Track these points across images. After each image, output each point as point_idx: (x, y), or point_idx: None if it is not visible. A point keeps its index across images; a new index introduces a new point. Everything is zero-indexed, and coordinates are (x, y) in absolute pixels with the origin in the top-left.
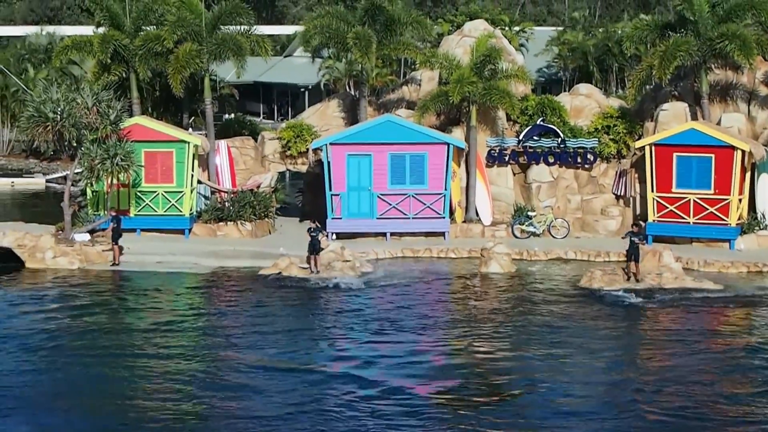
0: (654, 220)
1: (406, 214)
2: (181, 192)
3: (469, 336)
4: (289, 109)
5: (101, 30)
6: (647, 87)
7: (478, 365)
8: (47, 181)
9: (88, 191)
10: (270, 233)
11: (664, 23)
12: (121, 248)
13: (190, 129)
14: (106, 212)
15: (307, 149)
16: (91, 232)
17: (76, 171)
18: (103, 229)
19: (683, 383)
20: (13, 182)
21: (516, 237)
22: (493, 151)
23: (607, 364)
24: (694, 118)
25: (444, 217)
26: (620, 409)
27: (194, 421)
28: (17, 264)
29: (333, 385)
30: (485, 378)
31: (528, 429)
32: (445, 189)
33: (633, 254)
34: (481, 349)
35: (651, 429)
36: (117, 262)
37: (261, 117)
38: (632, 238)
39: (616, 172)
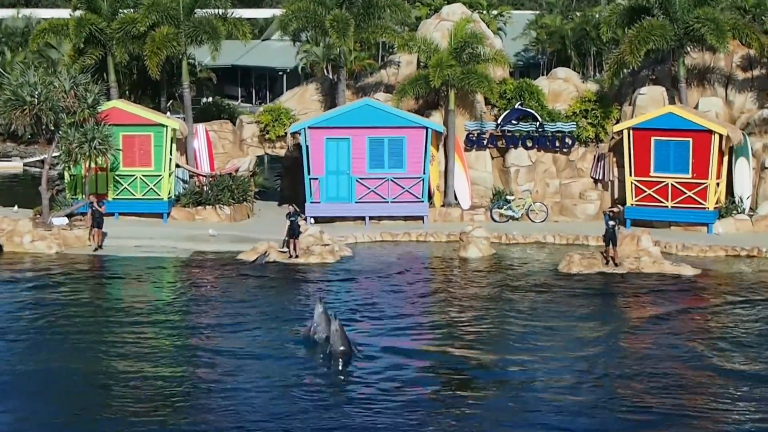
0: (632, 204)
1: (384, 198)
2: (160, 176)
3: (447, 320)
4: (267, 92)
5: (78, 13)
6: (625, 71)
7: (457, 349)
8: (25, 164)
9: (66, 175)
10: (249, 217)
11: (639, 7)
12: (104, 234)
13: (168, 113)
14: (84, 196)
15: (286, 133)
16: (69, 216)
17: (54, 155)
18: (82, 213)
19: (659, 367)
20: None
21: (495, 221)
22: (471, 135)
23: (584, 349)
24: (672, 102)
25: (423, 201)
26: (597, 395)
27: (173, 408)
28: None
29: (308, 370)
30: (463, 362)
31: (505, 414)
32: (424, 173)
33: (610, 238)
34: (460, 332)
35: (626, 414)
36: (97, 246)
37: (239, 101)
38: (608, 222)
39: (594, 156)
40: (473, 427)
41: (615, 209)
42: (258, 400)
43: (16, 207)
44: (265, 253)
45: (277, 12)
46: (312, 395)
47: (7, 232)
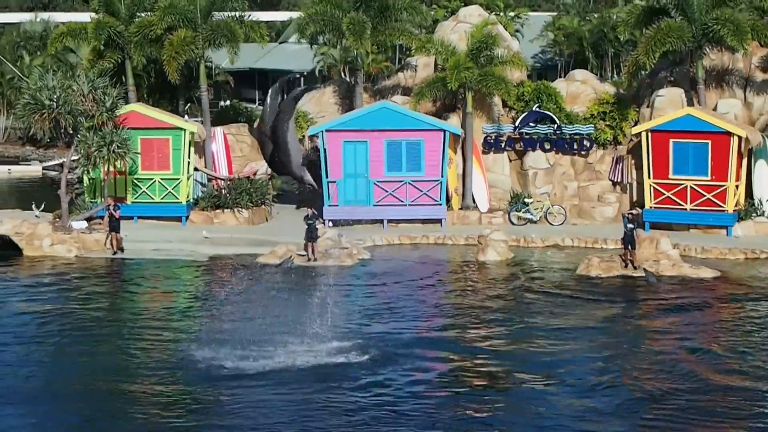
0: (651, 207)
1: (402, 201)
2: (178, 179)
3: (465, 323)
4: (285, 95)
5: (96, 16)
6: (643, 73)
7: (475, 352)
8: (44, 168)
9: (85, 179)
10: (267, 220)
11: (657, 8)
12: (120, 237)
13: (186, 116)
14: (102, 199)
15: (303, 136)
16: (88, 219)
17: (73, 158)
18: (101, 217)
19: (678, 371)
20: (9, 170)
21: (513, 224)
22: (489, 138)
23: (603, 352)
24: (691, 104)
25: (441, 204)
26: (617, 400)
27: (190, 409)
28: (15, 252)
29: (329, 373)
30: (482, 365)
31: (523, 417)
32: (442, 176)
33: (629, 241)
34: (478, 336)
35: (646, 420)
36: (115, 251)
37: (257, 104)
38: (627, 225)
39: (613, 159)
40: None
41: (634, 212)
42: (280, 407)
43: (34, 207)
44: (290, 257)
45: (294, 15)
46: (332, 400)
47: (26, 235)
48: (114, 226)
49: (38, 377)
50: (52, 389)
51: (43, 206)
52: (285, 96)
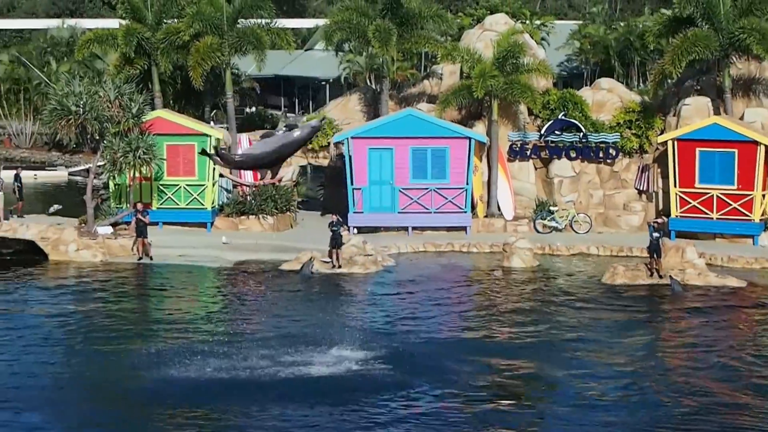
0: (677, 216)
1: (427, 209)
2: (203, 185)
3: (490, 331)
4: (310, 102)
5: (124, 23)
6: (669, 81)
7: (499, 360)
8: (70, 174)
9: (111, 184)
10: (291, 227)
11: (683, 17)
12: (149, 243)
13: (212, 122)
14: (128, 205)
15: (329, 143)
16: (114, 225)
17: (99, 164)
18: (126, 222)
19: (703, 382)
20: (36, 175)
21: (538, 232)
22: (514, 146)
23: (628, 362)
24: (717, 112)
25: (466, 212)
26: (642, 410)
27: (213, 417)
28: (40, 257)
29: (354, 381)
30: (506, 374)
31: (549, 428)
32: (467, 183)
33: (654, 250)
34: (503, 344)
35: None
36: (141, 256)
37: (282, 110)
38: (653, 233)
39: (639, 167)
40: None
41: (659, 220)
42: (302, 413)
43: (52, 208)
44: (310, 260)
45: (321, 22)
46: (356, 411)
47: (52, 240)
48: (141, 232)
49: (61, 379)
50: (74, 392)
51: (58, 206)
52: None
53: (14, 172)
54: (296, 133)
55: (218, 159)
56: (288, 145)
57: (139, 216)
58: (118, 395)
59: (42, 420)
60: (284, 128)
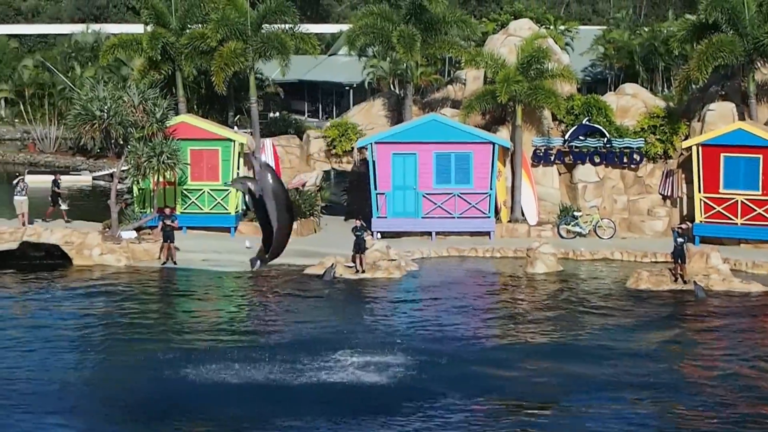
0: (701, 221)
1: (451, 214)
2: (227, 190)
3: (514, 337)
4: (334, 107)
5: (149, 28)
6: (694, 87)
7: (523, 366)
8: (94, 178)
9: (135, 189)
10: (315, 232)
11: (708, 23)
12: (176, 248)
13: (236, 127)
14: (152, 209)
15: (352, 148)
16: (138, 229)
17: (123, 169)
18: (150, 227)
19: (726, 392)
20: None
21: (562, 237)
22: (538, 151)
23: (653, 368)
24: (742, 118)
25: (489, 217)
26: (663, 415)
27: (237, 421)
28: (65, 261)
29: (378, 388)
30: (529, 380)
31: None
32: (491, 188)
33: (679, 255)
34: (526, 349)
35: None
36: (165, 260)
37: (306, 115)
38: (677, 239)
39: (663, 173)
40: None
41: (683, 226)
42: (326, 419)
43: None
44: (332, 265)
45: (344, 27)
46: (380, 419)
47: (76, 245)
48: (169, 236)
49: (86, 384)
50: (98, 396)
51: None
52: None
53: (53, 177)
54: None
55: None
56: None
57: (167, 221)
58: (139, 401)
59: (62, 424)
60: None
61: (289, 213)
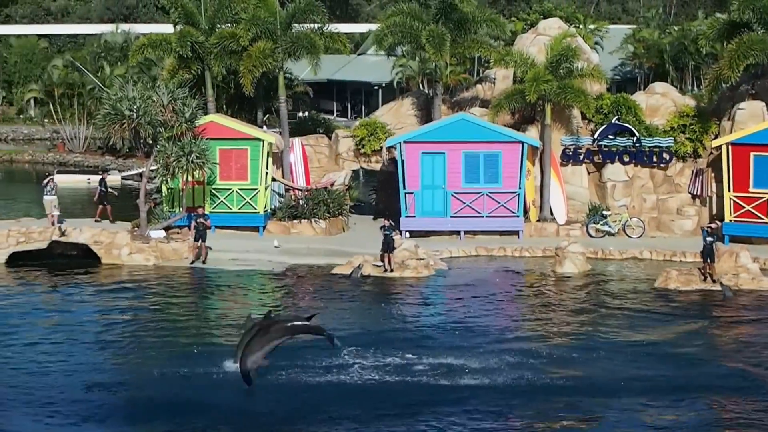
0: (731, 220)
1: (479, 213)
2: (256, 189)
3: (542, 336)
4: (363, 107)
5: (178, 28)
6: (724, 86)
7: (552, 366)
8: (123, 178)
9: (164, 188)
10: (344, 231)
11: (738, 21)
12: (208, 248)
13: (265, 127)
14: (181, 209)
15: (381, 147)
16: (167, 229)
17: (152, 168)
18: (179, 227)
19: (756, 387)
20: (89, 179)
21: (591, 236)
22: (567, 150)
23: (682, 367)
24: None
25: (518, 216)
26: (695, 417)
27: (264, 421)
28: (94, 260)
29: (405, 388)
30: (559, 380)
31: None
32: (520, 188)
33: (708, 254)
34: (555, 349)
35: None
36: (194, 260)
37: (335, 115)
38: (706, 238)
39: (693, 172)
40: None
41: (713, 225)
42: (352, 419)
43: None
44: (359, 266)
45: (373, 27)
46: (407, 420)
47: (105, 244)
48: (201, 236)
49: (118, 388)
50: (126, 394)
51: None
52: None
53: (100, 176)
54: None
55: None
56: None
57: (200, 219)
58: (166, 400)
59: (86, 422)
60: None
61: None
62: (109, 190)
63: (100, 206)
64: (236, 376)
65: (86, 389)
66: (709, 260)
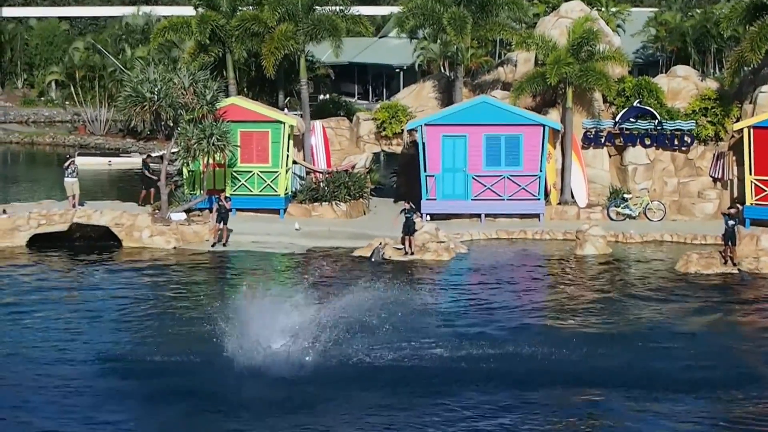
0: (752, 204)
1: (500, 196)
2: (277, 172)
3: (562, 319)
4: (384, 90)
5: (199, 11)
6: (746, 69)
7: (571, 349)
8: (144, 160)
9: (185, 171)
10: (364, 214)
11: (761, 4)
12: (229, 230)
13: (286, 109)
14: (201, 192)
15: (402, 130)
16: (188, 211)
17: (173, 151)
18: (200, 209)
19: None
20: (110, 161)
21: (611, 219)
22: (589, 133)
23: (702, 350)
24: None
25: (539, 199)
26: (712, 402)
27: (284, 402)
28: (115, 243)
29: (427, 371)
30: (578, 364)
31: (620, 418)
32: (540, 171)
33: (730, 238)
34: (575, 332)
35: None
36: (215, 242)
37: (356, 98)
38: (728, 221)
39: (714, 155)
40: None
41: (733, 210)
42: (375, 402)
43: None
44: (380, 245)
45: (395, 9)
46: (431, 402)
47: (126, 227)
48: (223, 218)
49: (131, 364)
50: (144, 375)
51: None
52: None
53: (142, 157)
54: None
55: None
56: None
57: (222, 202)
58: (187, 383)
59: (104, 402)
60: None
61: None
62: (152, 172)
63: (143, 191)
64: (257, 361)
65: (103, 371)
66: (730, 243)
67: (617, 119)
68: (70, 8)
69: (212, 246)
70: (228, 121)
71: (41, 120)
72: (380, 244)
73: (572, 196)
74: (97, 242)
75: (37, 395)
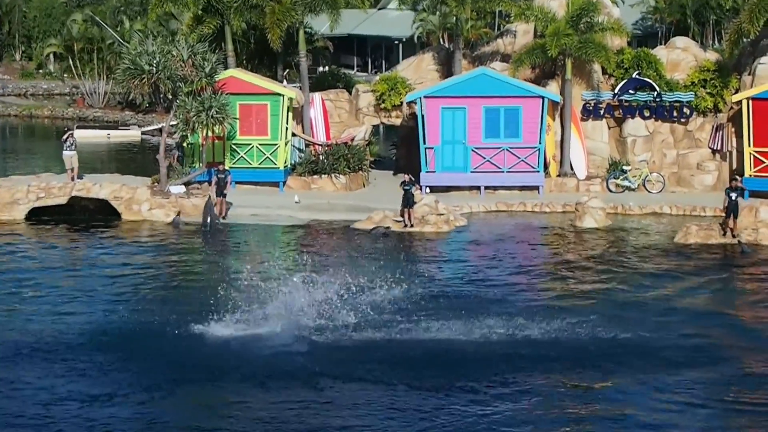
0: (751, 175)
1: (500, 168)
2: (276, 145)
3: (561, 292)
4: (383, 62)
5: None
6: (745, 40)
7: (571, 321)
8: (143, 133)
9: (184, 144)
10: (364, 186)
11: None
12: (229, 204)
13: (285, 82)
14: (200, 164)
15: (402, 102)
16: (187, 184)
17: (172, 123)
18: (199, 182)
19: None
20: (109, 134)
21: (611, 191)
22: (588, 105)
23: (700, 322)
24: None
25: (538, 171)
26: (711, 374)
27: (282, 375)
28: (114, 216)
29: (428, 347)
30: (577, 336)
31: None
32: (540, 143)
33: (732, 210)
34: (574, 304)
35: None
36: (223, 216)
37: (355, 70)
38: (731, 194)
39: (713, 127)
40: (589, 408)
41: (732, 185)
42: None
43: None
44: (385, 228)
45: None
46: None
47: (125, 200)
48: (222, 191)
49: (127, 338)
50: (142, 348)
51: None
52: None
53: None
54: None
55: None
56: None
57: (221, 175)
58: (183, 357)
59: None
60: None
61: None
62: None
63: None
64: (259, 334)
65: (101, 344)
66: (732, 215)
67: (616, 91)
68: None
69: (204, 228)
70: (227, 94)
71: (40, 93)
72: (387, 227)
73: (571, 169)
74: (97, 215)
75: (31, 366)
